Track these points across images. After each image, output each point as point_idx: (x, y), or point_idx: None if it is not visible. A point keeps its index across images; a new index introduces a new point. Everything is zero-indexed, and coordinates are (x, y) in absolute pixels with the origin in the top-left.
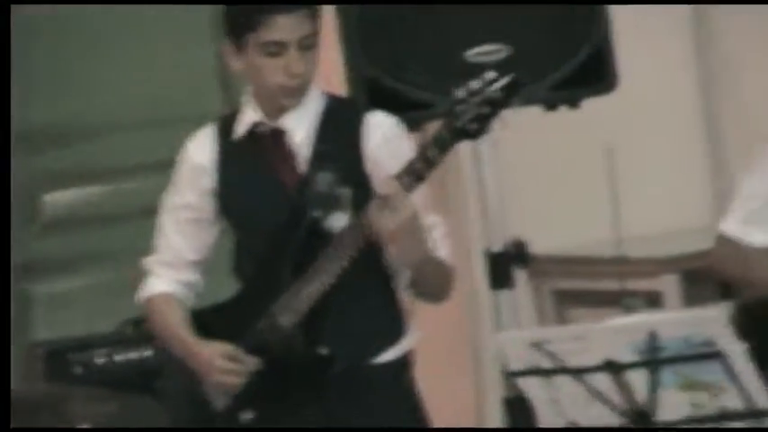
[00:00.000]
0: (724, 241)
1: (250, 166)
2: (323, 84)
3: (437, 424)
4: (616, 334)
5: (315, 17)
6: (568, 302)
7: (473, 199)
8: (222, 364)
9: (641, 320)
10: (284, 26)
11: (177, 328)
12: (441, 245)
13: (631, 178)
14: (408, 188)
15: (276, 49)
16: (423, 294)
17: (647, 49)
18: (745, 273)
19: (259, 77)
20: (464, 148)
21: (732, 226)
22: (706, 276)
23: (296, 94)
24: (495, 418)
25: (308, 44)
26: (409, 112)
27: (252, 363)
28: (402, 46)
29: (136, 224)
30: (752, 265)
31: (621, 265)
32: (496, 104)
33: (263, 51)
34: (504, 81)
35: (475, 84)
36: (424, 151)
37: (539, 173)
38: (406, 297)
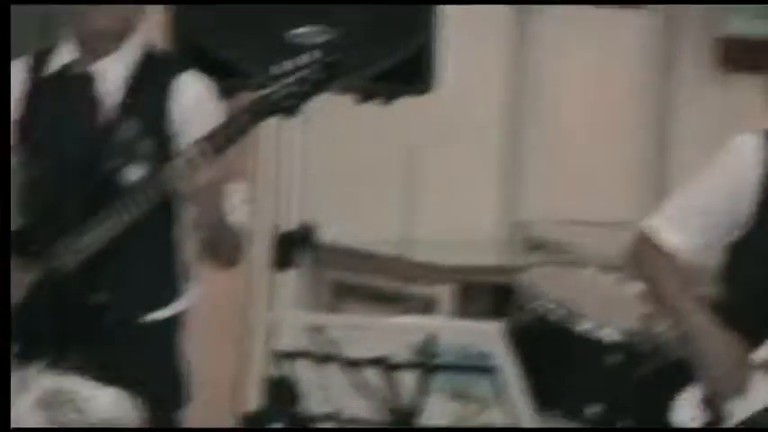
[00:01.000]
0: (641, 237)
1: (57, 104)
2: (144, 35)
3: (196, 389)
4: (396, 331)
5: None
6: (345, 295)
7: (271, 176)
8: None
9: (423, 322)
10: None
11: None
12: (239, 211)
13: (429, 183)
14: (212, 152)
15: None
16: (213, 257)
17: (463, 51)
18: (652, 274)
19: (80, 18)
20: (273, 123)
21: (654, 221)
22: (482, 291)
23: (113, 38)
24: (253, 395)
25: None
26: (224, 79)
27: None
28: (230, 14)
29: None
30: (658, 267)
31: (402, 266)
32: (312, 85)
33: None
34: (321, 63)
35: (292, 63)
36: (233, 120)
37: (341, 162)
38: (188, 259)
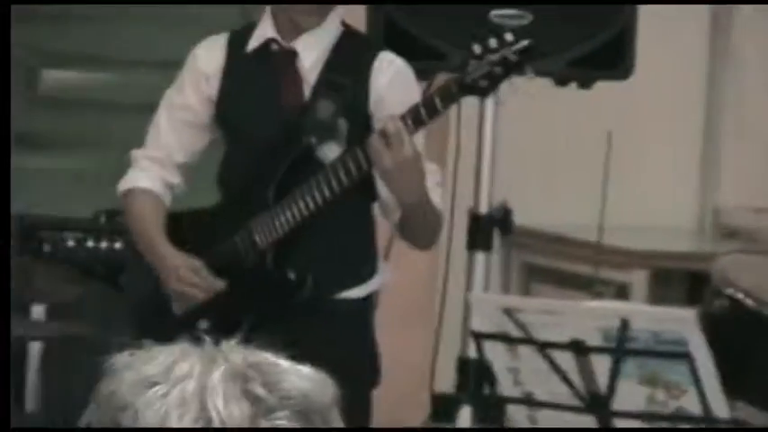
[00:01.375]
0: None
1: (255, 81)
2: (343, 17)
3: (387, 370)
4: (589, 316)
5: None
6: (536, 278)
7: (467, 156)
8: (186, 275)
9: (616, 307)
10: None
11: (151, 228)
12: (434, 192)
13: (625, 167)
14: (408, 132)
15: None
16: (409, 238)
17: (660, 38)
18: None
19: None
20: (469, 103)
21: None
22: (677, 277)
23: (314, 11)
24: (448, 375)
25: None
26: (422, 59)
27: (215, 285)
28: None
29: (131, 116)
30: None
31: (596, 251)
32: (510, 67)
33: None
34: (521, 45)
35: (493, 42)
36: (430, 98)
37: (536, 145)
38: (383, 238)
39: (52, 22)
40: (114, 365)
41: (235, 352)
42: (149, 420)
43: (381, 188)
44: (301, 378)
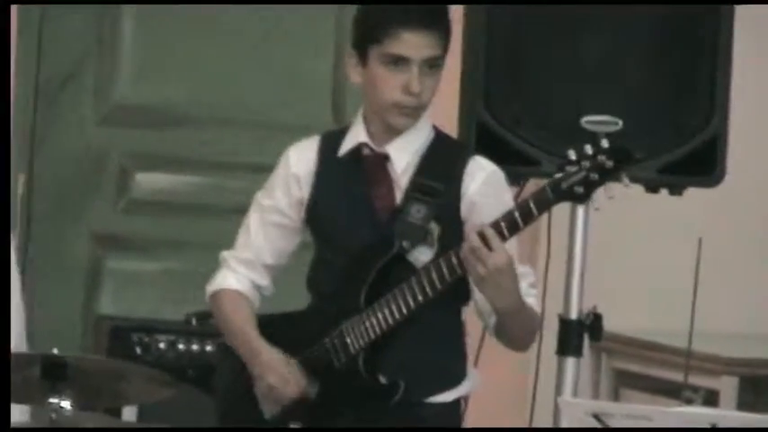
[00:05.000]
0: None
1: (347, 184)
2: (434, 120)
3: None
4: (678, 421)
5: (443, 42)
6: (625, 383)
7: (558, 261)
8: (284, 372)
9: (705, 412)
10: (410, 42)
11: (244, 323)
12: (528, 295)
13: (717, 274)
14: (503, 236)
15: (398, 63)
16: (506, 341)
17: (752, 143)
18: None
19: (376, 91)
20: (560, 207)
21: None
22: (766, 384)
23: (409, 113)
24: None
25: (431, 67)
26: (515, 166)
27: (308, 388)
28: (521, 101)
29: (222, 219)
30: None
31: (686, 357)
32: (606, 173)
33: (384, 64)
34: (618, 152)
35: (588, 148)
36: (525, 204)
37: (626, 250)
38: (473, 342)
39: (146, 126)
40: None
41: None
42: None
43: (476, 293)
44: None
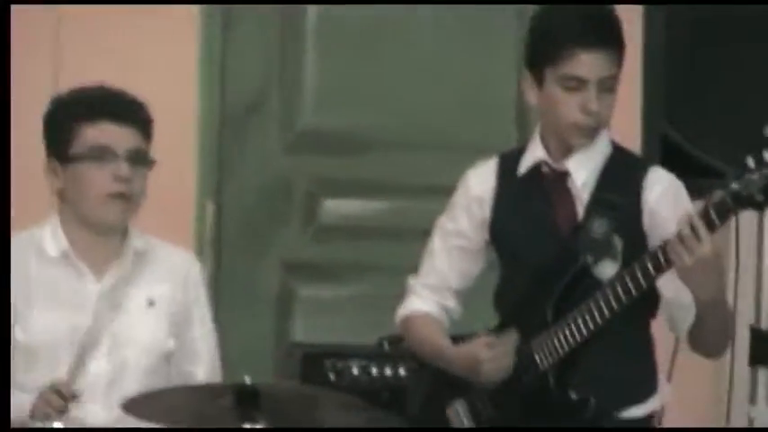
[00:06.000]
0: None
1: (528, 203)
2: (618, 135)
3: None
4: None
5: (617, 60)
6: None
7: (747, 271)
8: (488, 354)
9: None
10: (586, 63)
11: (437, 338)
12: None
13: None
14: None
15: (575, 84)
16: (701, 344)
17: None
18: None
19: (553, 112)
20: (747, 216)
21: None
22: None
23: (588, 133)
24: None
25: (608, 86)
26: (699, 177)
27: (511, 339)
28: (705, 113)
29: (410, 242)
30: None
31: None
32: None
33: (561, 85)
34: None
35: (763, 157)
36: (706, 212)
37: None
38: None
39: (331, 152)
40: None
41: None
42: None
43: (673, 294)
44: None
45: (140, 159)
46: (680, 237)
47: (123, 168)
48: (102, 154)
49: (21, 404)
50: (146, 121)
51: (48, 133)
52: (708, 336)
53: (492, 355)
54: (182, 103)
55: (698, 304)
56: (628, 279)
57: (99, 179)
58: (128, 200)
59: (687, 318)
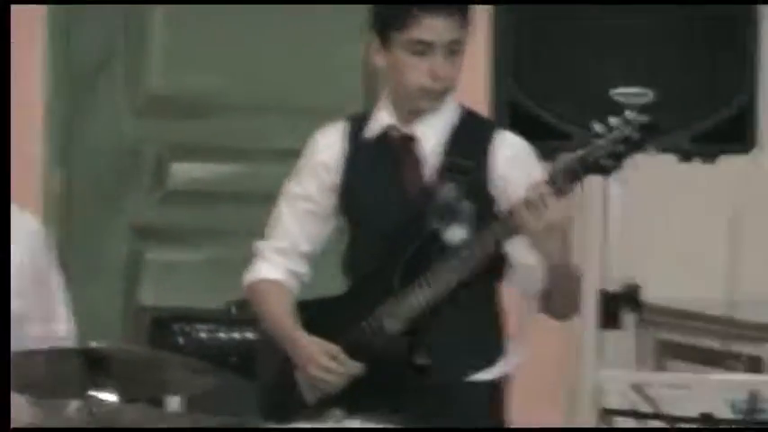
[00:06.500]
0: None
1: (376, 168)
2: (462, 99)
3: None
4: (717, 388)
5: (464, 25)
6: (669, 354)
7: (594, 236)
8: (324, 362)
9: (743, 379)
10: (432, 27)
11: (283, 315)
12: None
13: (754, 242)
14: (532, 213)
15: (422, 48)
16: (551, 307)
17: None
18: None
19: (401, 76)
20: (595, 182)
21: None
22: None
23: (435, 97)
24: None
25: (455, 49)
26: (546, 140)
27: (354, 367)
28: (550, 76)
29: (256, 207)
30: None
31: (729, 326)
32: (632, 145)
33: (408, 50)
34: (642, 123)
35: (614, 121)
36: (553, 179)
37: (661, 221)
38: (516, 319)
39: (180, 116)
40: None
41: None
42: None
43: (522, 258)
44: None
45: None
46: (527, 203)
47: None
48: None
49: None
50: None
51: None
52: (557, 299)
53: (327, 367)
54: (28, 66)
55: (546, 269)
56: (477, 244)
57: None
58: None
59: (536, 282)
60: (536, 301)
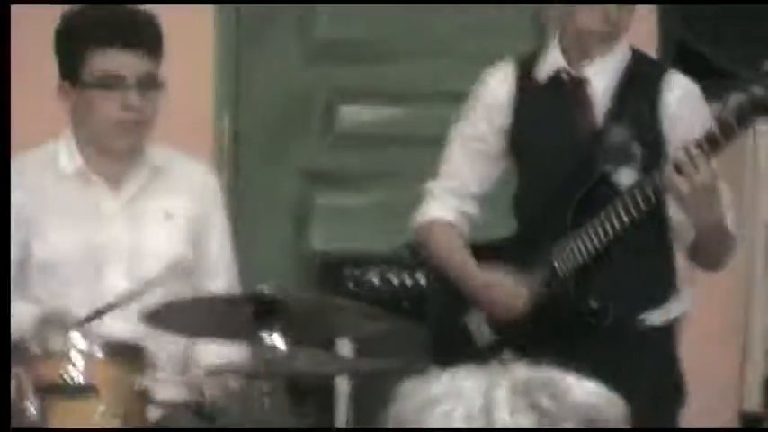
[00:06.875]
0: None
1: (547, 109)
2: (634, 40)
3: (696, 396)
4: None
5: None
6: None
7: (765, 176)
8: (502, 282)
9: None
10: None
11: (455, 251)
12: (725, 214)
13: None
14: (705, 155)
15: None
16: (701, 261)
17: None
18: None
19: (571, 20)
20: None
21: None
22: None
23: (606, 38)
24: (755, 396)
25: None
26: (713, 80)
27: (533, 286)
28: (719, 14)
29: (425, 150)
30: None
31: None
32: None
33: None
34: None
35: None
36: (725, 121)
37: None
38: (683, 262)
39: (348, 61)
40: (401, 392)
41: (520, 369)
42: None
43: (672, 212)
44: (588, 392)
45: (151, 84)
46: (676, 165)
47: (132, 97)
48: (111, 82)
49: (20, 316)
50: (156, 42)
51: (57, 53)
52: (707, 255)
53: (506, 288)
54: (198, 18)
55: (697, 230)
56: (647, 187)
57: (108, 107)
58: (138, 125)
59: (687, 235)
60: (686, 254)
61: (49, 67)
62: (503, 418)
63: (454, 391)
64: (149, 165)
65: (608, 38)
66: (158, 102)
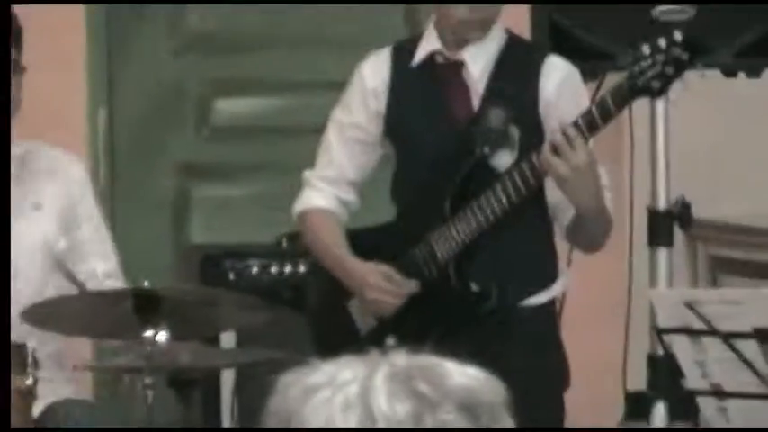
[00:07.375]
0: None
1: (423, 94)
2: (507, 24)
3: (578, 376)
4: None
5: None
6: (723, 270)
7: (642, 154)
8: (379, 283)
9: None
10: None
11: (333, 243)
12: (603, 194)
13: None
14: (584, 136)
15: None
16: (579, 242)
17: None
18: None
19: (441, 9)
20: (644, 103)
21: None
22: None
23: (478, 27)
24: (639, 374)
25: None
26: (590, 60)
27: (409, 286)
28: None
29: (301, 139)
30: None
31: None
32: (681, 65)
33: None
34: (691, 43)
35: (662, 42)
36: (602, 102)
37: (712, 137)
38: (561, 243)
39: (221, 52)
40: (281, 382)
41: (398, 355)
42: (315, 425)
43: (549, 193)
44: (466, 376)
45: (15, 68)
46: (553, 147)
47: None
48: None
49: None
50: (15, 32)
51: None
52: (585, 235)
53: (383, 288)
54: (69, 15)
55: (577, 210)
56: (525, 168)
57: None
58: None
59: (566, 216)
60: (564, 234)
61: None
62: (379, 405)
63: (333, 380)
64: (14, 156)
65: (483, 24)
66: (20, 87)
